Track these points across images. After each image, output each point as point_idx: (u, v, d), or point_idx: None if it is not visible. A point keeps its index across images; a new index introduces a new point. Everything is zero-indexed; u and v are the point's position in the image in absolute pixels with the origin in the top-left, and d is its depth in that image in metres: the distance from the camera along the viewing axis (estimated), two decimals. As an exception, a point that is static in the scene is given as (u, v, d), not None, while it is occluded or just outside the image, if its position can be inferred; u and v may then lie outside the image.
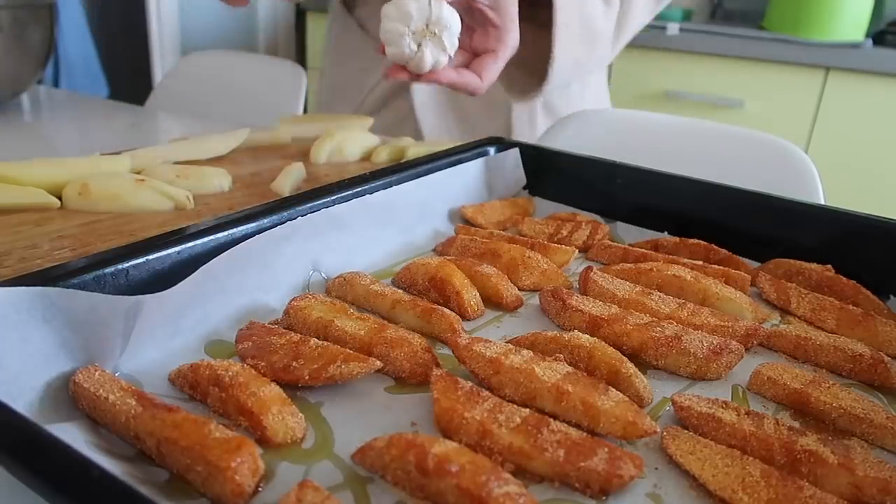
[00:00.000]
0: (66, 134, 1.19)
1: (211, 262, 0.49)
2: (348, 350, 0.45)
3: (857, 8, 1.97)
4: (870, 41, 1.93)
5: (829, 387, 0.45)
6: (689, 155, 1.06)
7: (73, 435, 0.37)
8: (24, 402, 0.39)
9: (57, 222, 0.70)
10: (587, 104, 1.18)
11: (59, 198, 0.74)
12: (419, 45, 0.69)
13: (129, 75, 3.04)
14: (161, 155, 0.88)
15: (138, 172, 0.82)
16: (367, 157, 0.98)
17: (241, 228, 0.54)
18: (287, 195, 0.76)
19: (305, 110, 1.69)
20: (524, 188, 0.81)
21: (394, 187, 0.66)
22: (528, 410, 0.40)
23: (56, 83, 2.69)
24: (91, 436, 0.38)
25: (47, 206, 0.73)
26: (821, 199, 0.96)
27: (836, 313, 0.56)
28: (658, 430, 0.40)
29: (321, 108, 1.31)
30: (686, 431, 0.41)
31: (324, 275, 0.59)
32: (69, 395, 0.41)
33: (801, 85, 1.98)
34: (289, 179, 0.82)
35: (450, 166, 0.74)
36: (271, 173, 0.88)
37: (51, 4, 1.23)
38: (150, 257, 0.48)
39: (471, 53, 0.77)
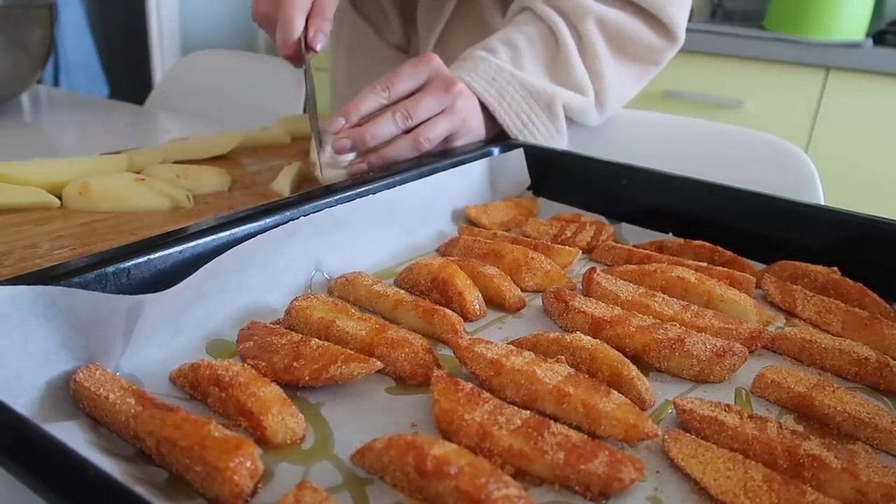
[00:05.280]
0: (66, 134, 1.18)
1: (212, 261, 0.48)
2: (349, 350, 0.45)
3: (857, 8, 1.97)
4: (870, 41, 1.93)
5: (833, 390, 0.45)
6: (689, 155, 1.06)
7: (73, 434, 0.37)
8: (24, 401, 0.38)
9: (57, 222, 0.69)
10: None
11: (59, 198, 0.74)
12: None
13: (129, 75, 3.04)
14: (161, 155, 0.88)
15: (138, 172, 0.82)
16: (368, 157, 0.98)
17: (242, 228, 0.53)
18: (287, 195, 0.76)
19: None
20: (528, 189, 0.81)
21: (397, 187, 0.66)
22: (528, 412, 0.40)
23: (56, 83, 2.70)
24: (91, 435, 0.38)
25: (47, 206, 0.73)
26: (821, 200, 0.95)
27: (841, 316, 0.55)
28: (660, 433, 0.40)
29: (338, 102, 1.31)
30: (688, 435, 0.41)
31: (326, 275, 0.59)
32: (70, 394, 0.41)
33: (801, 85, 1.98)
34: (289, 179, 0.81)
35: (453, 166, 0.73)
36: (271, 173, 0.88)
37: (51, 4, 1.23)
38: (152, 256, 0.48)
39: None
